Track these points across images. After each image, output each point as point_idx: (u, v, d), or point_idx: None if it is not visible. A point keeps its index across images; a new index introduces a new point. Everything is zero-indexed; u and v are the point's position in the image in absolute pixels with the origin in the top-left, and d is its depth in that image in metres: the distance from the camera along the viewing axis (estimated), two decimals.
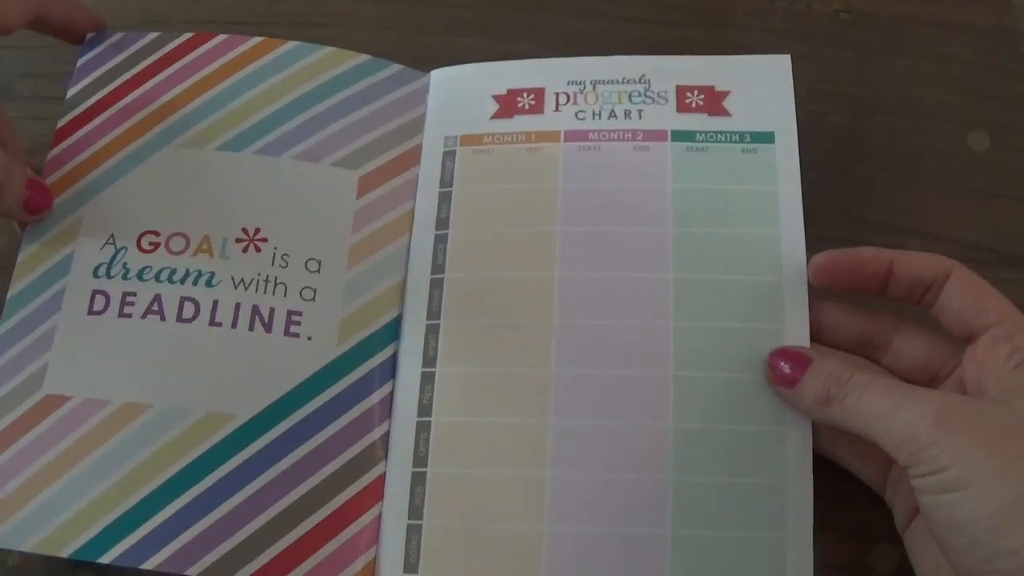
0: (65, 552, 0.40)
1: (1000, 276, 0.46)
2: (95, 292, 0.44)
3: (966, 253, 0.48)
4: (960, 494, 0.33)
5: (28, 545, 0.40)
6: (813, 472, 0.40)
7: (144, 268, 0.44)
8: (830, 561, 0.40)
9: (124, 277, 0.44)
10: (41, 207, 0.45)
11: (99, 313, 0.44)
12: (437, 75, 0.49)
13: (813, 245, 0.43)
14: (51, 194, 0.45)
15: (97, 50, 0.49)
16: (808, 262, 0.41)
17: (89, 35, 0.49)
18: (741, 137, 0.45)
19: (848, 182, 0.50)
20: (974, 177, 0.50)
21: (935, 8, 0.54)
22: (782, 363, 0.40)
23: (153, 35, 0.49)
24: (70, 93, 0.48)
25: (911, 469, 0.35)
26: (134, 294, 0.44)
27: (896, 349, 0.41)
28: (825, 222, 0.46)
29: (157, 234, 0.45)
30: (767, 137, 0.45)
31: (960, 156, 0.50)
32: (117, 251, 0.45)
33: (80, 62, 0.49)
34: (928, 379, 0.41)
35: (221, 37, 0.49)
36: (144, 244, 0.45)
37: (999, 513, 0.32)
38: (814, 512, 0.39)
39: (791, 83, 0.46)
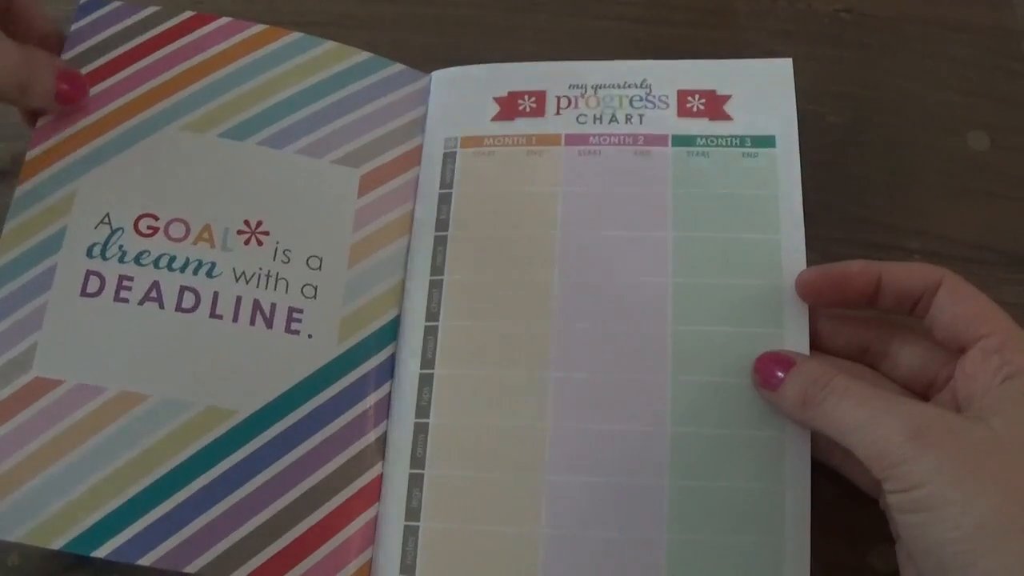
0: (55, 544, 0.39)
1: (1000, 276, 0.46)
2: (89, 272, 0.43)
3: (966, 253, 0.48)
4: (929, 515, 0.33)
5: (15, 535, 0.39)
6: (813, 471, 0.40)
7: (142, 252, 0.43)
8: (829, 561, 0.40)
9: (120, 260, 0.43)
10: (74, 97, 0.44)
11: (93, 295, 0.42)
12: (438, 76, 0.49)
13: (813, 245, 0.43)
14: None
15: (92, 17, 0.47)
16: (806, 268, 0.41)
17: (83, 0, 0.48)
18: (742, 141, 0.45)
19: (848, 182, 0.50)
20: (974, 177, 0.50)
21: (935, 8, 0.54)
22: (767, 366, 0.40)
23: (152, 9, 0.48)
24: (64, 58, 0.46)
25: (884, 483, 0.35)
26: (131, 278, 0.43)
27: (893, 356, 0.41)
28: (825, 222, 0.47)
29: (156, 218, 0.44)
30: (768, 141, 0.45)
31: (960, 156, 0.50)
32: (113, 231, 0.43)
33: (74, 27, 0.47)
34: (925, 387, 0.40)
35: (223, 20, 0.48)
36: (142, 227, 0.44)
37: (965, 539, 0.32)
38: (813, 512, 0.39)
39: (792, 87, 0.46)
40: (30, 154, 0.44)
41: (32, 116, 0.46)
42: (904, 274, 0.39)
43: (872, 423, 0.35)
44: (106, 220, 0.44)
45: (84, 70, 0.46)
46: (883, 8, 0.54)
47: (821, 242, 0.44)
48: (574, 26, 0.54)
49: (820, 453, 0.41)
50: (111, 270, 0.43)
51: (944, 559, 0.33)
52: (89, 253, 0.43)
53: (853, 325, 0.42)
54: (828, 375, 0.37)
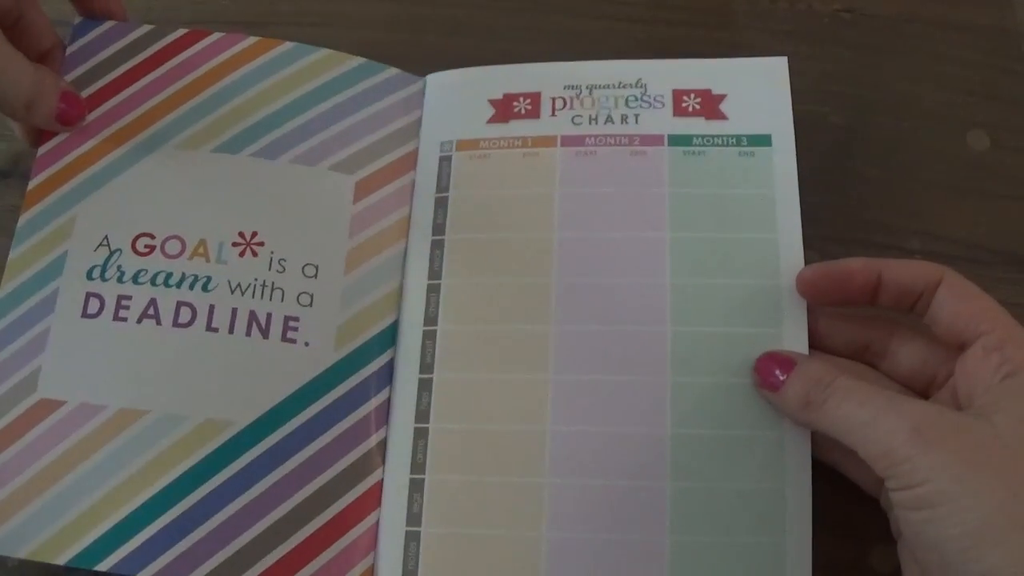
0: (61, 560, 0.40)
1: (1000, 276, 0.46)
2: (89, 294, 0.43)
3: (966, 253, 0.48)
4: (932, 511, 0.33)
5: (23, 552, 0.40)
6: (813, 471, 0.40)
7: (139, 271, 0.44)
8: (830, 562, 0.40)
9: (119, 280, 0.44)
10: (73, 119, 0.45)
11: (93, 316, 0.43)
12: (433, 79, 0.49)
13: (813, 245, 0.43)
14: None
15: (86, 39, 0.48)
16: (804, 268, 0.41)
17: (77, 22, 0.48)
18: (738, 140, 0.45)
19: (848, 182, 0.50)
20: (974, 177, 0.50)
21: (935, 8, 0.54)
22: (768, 366, 0.40)
23: (146, 28, 0.48)
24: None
25: (888, 481, 0.35)
26: (129, 297, 0.43)
27: (893, 355, 0.41)
28: (825, 222, 0.47)
29: (152, 236, 0.44)
30: (764, 140, 0.45)
31: (960, 156, 0.50)
32: (111, 253, 0.44)
33: (69, 51, 0.47)
34: (926, 385, 0.40)
35: (216, 35, 0.48)
36: (139, 246, 0.44)
37: (968, 535, 0.32)
38: (814, 512, 0.39)
39: (788, 85, 0.45)
40: (32, 183, 0.45)
41: (31, 132, 0.46)
42: (904, 271, 0.39)
43: (875, 422, 0.35)
44: (105, 242, 0.44)
45: (82, 94, 0.47)
46: (883, 8, 0.54)
47: (821, 242, 0.45)
48: (573, 26, 0.54)
49: (820, 452, 0.41)
50: (110, 291, 0.43)
51: (947, 555, 0.33)
52: (89, 275, 0.44)
53: (852, 323, 0.42)
54: (831, 375, 0.37)
